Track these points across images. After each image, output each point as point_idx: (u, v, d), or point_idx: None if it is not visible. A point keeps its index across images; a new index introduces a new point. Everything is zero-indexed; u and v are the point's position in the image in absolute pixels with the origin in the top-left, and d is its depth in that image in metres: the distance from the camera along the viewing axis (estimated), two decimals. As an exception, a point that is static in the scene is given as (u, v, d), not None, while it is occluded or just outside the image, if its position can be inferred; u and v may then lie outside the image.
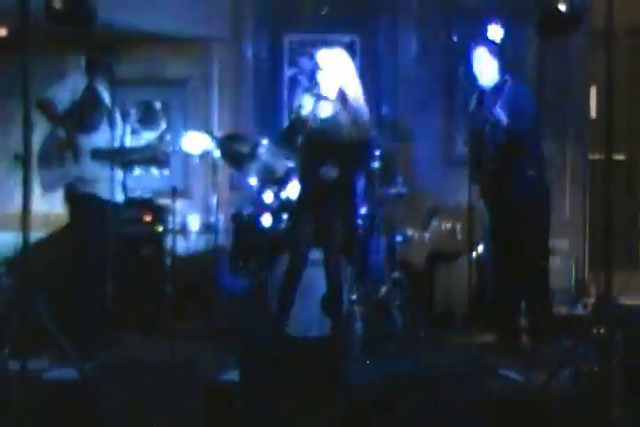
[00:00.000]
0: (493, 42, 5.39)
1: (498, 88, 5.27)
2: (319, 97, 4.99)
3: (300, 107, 4.99)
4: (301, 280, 5.14)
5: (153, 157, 5.28)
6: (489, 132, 5.19)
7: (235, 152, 5.52)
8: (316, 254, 5.28)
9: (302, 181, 5.21)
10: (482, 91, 5.37)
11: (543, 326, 5.17)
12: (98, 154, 4.99)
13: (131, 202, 5.87)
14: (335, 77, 5.01)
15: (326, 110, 5.02)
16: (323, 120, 5.02)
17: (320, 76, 4.99)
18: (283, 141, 5.17)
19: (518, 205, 5.16)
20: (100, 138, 5.03)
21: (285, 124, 5.20)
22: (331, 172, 4.93)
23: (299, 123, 5.01)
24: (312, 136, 5.01)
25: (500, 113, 5.10)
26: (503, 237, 5.28)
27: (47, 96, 4.91)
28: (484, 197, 5.34)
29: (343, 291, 5.20)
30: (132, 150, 5.27)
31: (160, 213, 6.20)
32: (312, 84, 5.02)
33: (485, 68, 5.28)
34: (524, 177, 5.16)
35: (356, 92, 5.09)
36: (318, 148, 5.01)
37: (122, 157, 5.08)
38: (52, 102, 4.92)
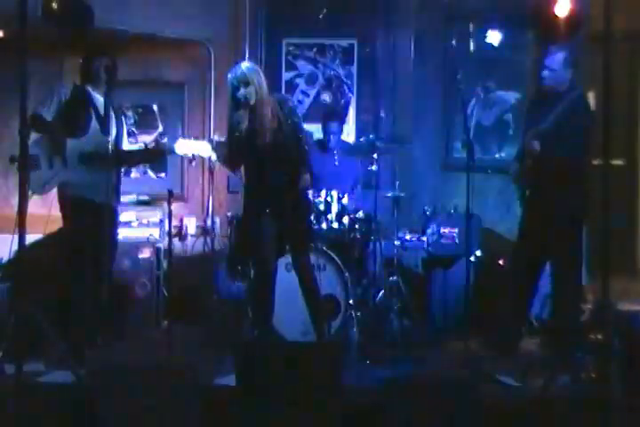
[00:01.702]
0: (571, 50, 5.25)
1: (560, 97, 5.16)
2: (251, 110, 4.95)
3: (238, 123, 4.94)
4: (274, 287, 5.10)
5: (146, 159, 5.22)
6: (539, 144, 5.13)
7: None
8: (311, 258, 5.26)
9: (252, 192, 5.11)
10: (544, 95, 5.30)
11: (571, 326, 5.15)
12: (86, 158, 4.90)
13: (127, 204, 5.86)
14: (257, 90, 4.95)
15: (259, 121, 4.95)
16: (258, 131, 4.95)
17: (246, 91, 4.94)
18: (231, 161, 5.12)
19: (563, 216, 5.13)
20: (91, 141, 4.92)
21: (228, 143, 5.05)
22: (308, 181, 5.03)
23: (239, 140, 4.96)
24: (254, 149, 4.96)
25: (536, 146, 5.02)
26: (530, 246, 5.26)
27: (35, 114, 4.78)
28: (525, 198, 5.33)
29: (319, 295, 5.13)
30: (124, 153, 5.17)
31: (156, 216, 6.19)
32: (241, 99, 4.94)
33: (557, 76, 5.19)
34: (565, 192, 5.13)
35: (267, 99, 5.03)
36: (263, 159, 4.98)
37: (112, 161, 4.95)
38: (38, 116, 4.81)
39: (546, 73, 5.22)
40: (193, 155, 5.10)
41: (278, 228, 5.04)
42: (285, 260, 5.29)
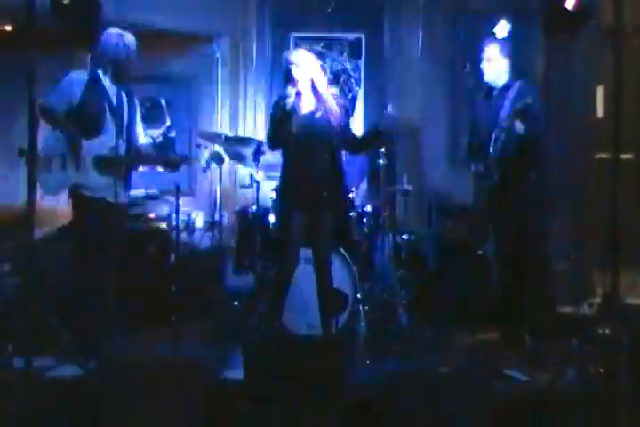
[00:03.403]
0: (504, 40, 5.36)
1: (506, 88, 5.24)
2: (298, 92, 5.01)
3: (284, 98, 4.99)
4: (293, 279, 5.09)
5: (161, 165, 5.20)
6: (502, 140, 5.13)
7: (240, 152, 5.54)
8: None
9: (289, 177, 5.12)
10: (489, 90, 5.35)
11: (545, 324, 5.15)
12: (100, 162, 4.85)
13: (135, 199, 5.86)
14: (307, 73, 5.02)
15: (306, 105, 5.04)
16: (305, 115, 5.02)
17: (295, 73, 4.99)
18: (274, 139, 5.12)
19: (522, 210, 5.13)
20: (106, 144, 4.84)
21: (271, 118, 5.13)
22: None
23: (284, 116, 5.00)
24: (298, 132, 4.99)
25: (519, 126, 5.02)
26: (507, 239, 5.26)
27: (46, 102, 4.72)
28: (488, 200, 5.33)
29: (332, 295, 5.13)
30: (139, 156, 5.13)
31: (164, 211, 6.19)
32: (289, 81, 5.02)
33: (495, 66, 5.25)
34: (527, 182, 5.13)
35: (324, 84, 5.13)
36: (305, 143, 5.00)
37: (126, 163, 4.93)
38: (50, 108, 4.76)
39: (484, 64, 5.30)
40: (207, 164, 5.11)
41: (309, 221, 5.04)
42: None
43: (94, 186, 4.85)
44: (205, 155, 5.15)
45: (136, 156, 5.05)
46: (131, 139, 5.02)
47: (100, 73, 4.97)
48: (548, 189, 5.28)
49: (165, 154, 5.29)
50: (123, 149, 4.89)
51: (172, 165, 5.14)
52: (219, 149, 5.39)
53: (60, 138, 4.83)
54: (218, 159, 5.35)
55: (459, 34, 6.92)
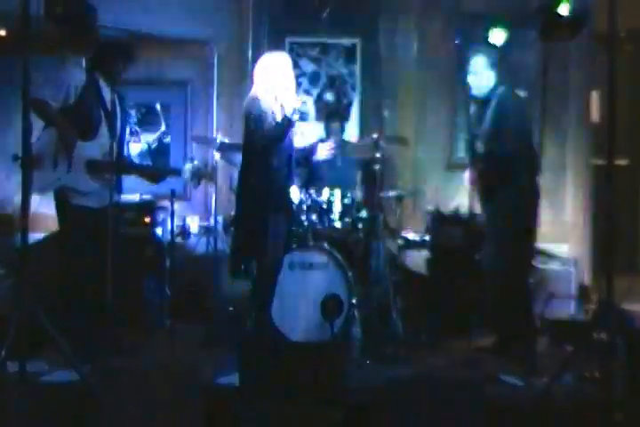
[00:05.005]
0: (492, 52, 5.31)
1: (489, 101, 5.22)
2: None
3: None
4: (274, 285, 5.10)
5: (149, 177, 5.16)
6: (479, 148, 5.17)
7: (234, 158, 5.54)
8: (314, 257, 5.39)
9: (259, 189, 4.99)
10: (475, 100, 5.34)
11: (523, 331, 5.14)
12: (93, 166, 4.78)
13: (130, 204, 5.86)
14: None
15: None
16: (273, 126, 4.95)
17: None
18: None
19: (508, 215, 5.13)
20: (99, 148, 4.80)
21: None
22: None
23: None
24: (263, 143, 4.94)
25: (480, 147, 5.07)
26: (498, 243, 5.26)
27: (40, 95, 4.60)
28: (482, 206, 5.34)
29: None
30: (131, 166, 5.12)
31: (159, 215, 6.18)
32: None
33: (479, 79, 5.23)
34: (513, 189, 5.13)
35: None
36: (287, 157, 4.98)
37: (117, 169, 4.86)
38: (45, 102, 4.64)
39: (470, 77, 5.27)
40: (199, 180, 5.06)
41: (279, 226, 5.02)
42: (288, 259, 5.30)
43: (83, 189, 4.79)
44: (188, 167, 5.05)
45: (121, 165, 4.99)
46: (121, 145, 4.99)
47: (98, 76, 4.92)
48: (537, 195, 5.26)
49: (150, 166, 5.25)
50: (115, 154, 4.84)
51: (152, 179, 5.11)
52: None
53: (53, 136, 4.74)
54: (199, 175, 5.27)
55: (455, 39, 6.93)
